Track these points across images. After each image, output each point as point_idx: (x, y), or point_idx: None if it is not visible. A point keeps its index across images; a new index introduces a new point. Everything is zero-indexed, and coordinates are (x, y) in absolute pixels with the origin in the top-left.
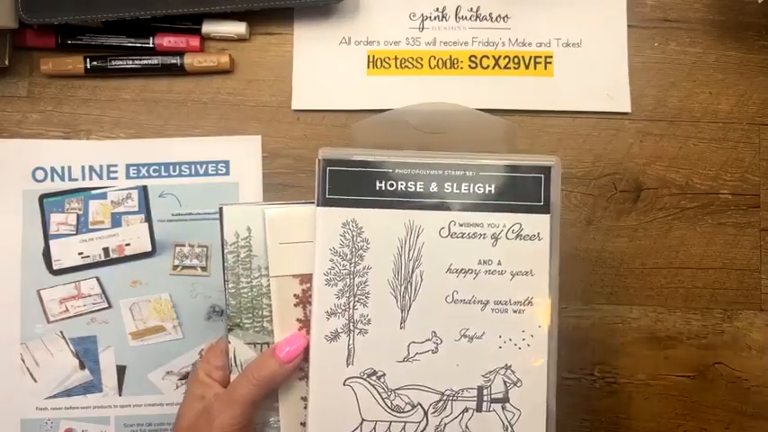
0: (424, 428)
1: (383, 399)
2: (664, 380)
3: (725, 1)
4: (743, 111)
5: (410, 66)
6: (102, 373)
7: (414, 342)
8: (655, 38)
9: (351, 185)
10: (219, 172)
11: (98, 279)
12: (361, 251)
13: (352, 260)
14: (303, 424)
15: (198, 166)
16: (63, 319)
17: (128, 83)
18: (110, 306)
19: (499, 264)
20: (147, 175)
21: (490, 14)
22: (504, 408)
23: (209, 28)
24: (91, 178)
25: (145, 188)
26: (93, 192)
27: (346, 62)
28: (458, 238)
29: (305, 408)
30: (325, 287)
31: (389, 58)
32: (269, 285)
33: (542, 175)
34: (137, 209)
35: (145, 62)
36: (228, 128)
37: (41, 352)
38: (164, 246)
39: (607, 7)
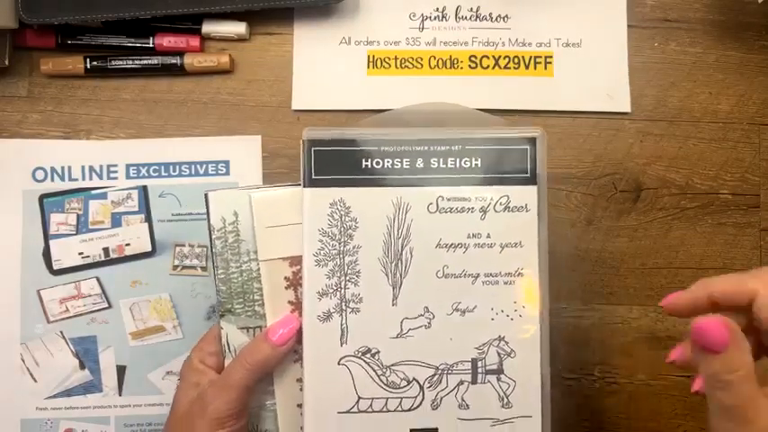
0: (421, 403)
1: (378, 376)
2: (664, 380)
3: (725, 1)
4: (743, 111)
5: (410, 66)
6: (102, 373)
7: (406, 318)
8: (655, 38)
9: (337, 165)
10: (219, 172)
11: (98, 279)
12: (350, 230)
13: (342, 240)
14: (300, 405)
15: (198, 166)
16: (63, 319)
17: (128, 83)
18: (110, 306)
19: (488, 237)
20: (147, 175)
21: (490, 14)
22: (498, 379)
23: (209, 28)
24: (91, 178)
25: (145, 188)
26: (93, 192)
27: (346, 62)
28: (446, 213)
29: (301, 389)
30: (316, 268)
31: (389, 58)
32: (259, 269)
33: (528, 147)
34: (137, 209)
35: (145, 62)
36: (228, 128)
37: (41, 352)
38: (164, 246)
39: (607, 7)
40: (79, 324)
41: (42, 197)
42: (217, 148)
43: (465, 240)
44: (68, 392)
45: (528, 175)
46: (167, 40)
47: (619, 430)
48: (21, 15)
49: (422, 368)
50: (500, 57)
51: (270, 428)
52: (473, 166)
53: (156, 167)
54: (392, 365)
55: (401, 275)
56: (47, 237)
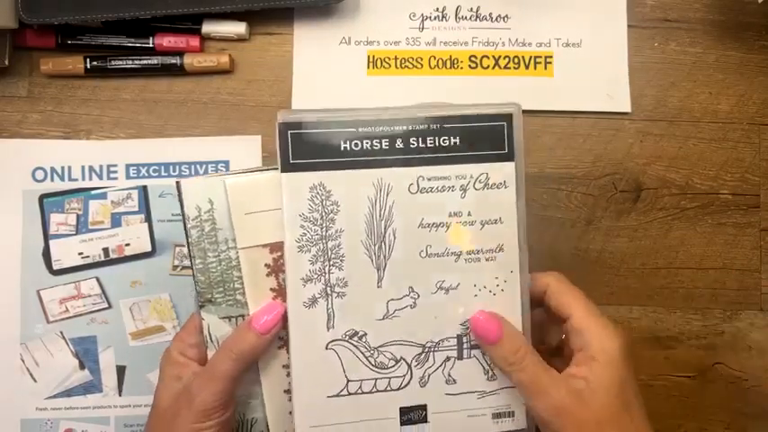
0: (409, 381)
1: (366, 357)
2: (664, 380)
3: (725, 1)
4: (743, 111)
5: (410, 66)
6: (102, 373)
7: (392, 299)
8: (655, 38)
9: (314, 148)
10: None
11: (98, 279)
12: (331, 215)
13: (323, 224)
14: (287, 391)
15: (198, 166)
16: (63, 319)
17: (128, 83)
18: (110, 306)
19: (469, 214)
20: (147, 175)
21: (490, 14)
22: (483, 353)
23: (209, 28)
24: (91, 178)
25: (145, 188)
26: (93, 192)
27: (346, 62)
28: (427, 192)
29: (287, 375)
30: (299, 254)
31: (389, 58)
32: (238, 257)
33: (504, 123)
34: (137, 209)
35: (145, 62)
36: (228, 128)
37: (41, 352)
38: (164, 246)
39: (607, 7)
40: (79, 324)
41: (42, 197)
42: (217, 148)
43: (447, 219)
44: (68, 392)
45: (506, 151)
46: (167, 40)
47: None
48: (21, 15)
49: (409, 347)
50: (500, 57)
51: (257, 416)
52: (452, 144)
53: (156, 167)
54: (380, 347)
55: (385, 257)
56: (47, 237)
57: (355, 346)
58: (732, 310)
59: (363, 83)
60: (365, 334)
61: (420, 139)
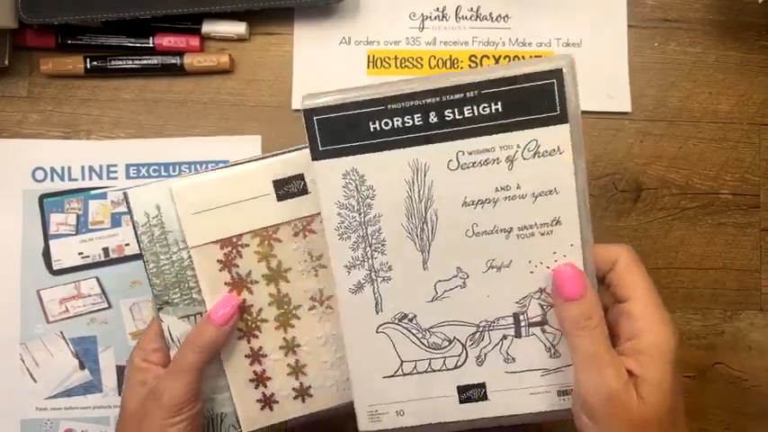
0: (465, 360)
1: (419, 339)
2: None
3: (725, 1)
4: (743, 111)
5: (410, 66)
6: (102, 374)
7: (440, 281)
8: (655, 38)
9: (343, 132)
10: None
11: (98, 279)
12: (368, 200)
13: (361, 210)
14: (252, 380)
15: (198, 166)
16: (63, 319)
17: (128, 83)
18: (110, 306)
19: (518, 187)
20: (147, 175)
21: (490, 14)
22: (543, 330)
23: (208, 28)
24: (91, 178)
25: None
26: (93, 192)
27: (346, 62)
28: (468, 168)
29: (250, 365)
30: (339, 242)
31: (389, 58)
32: (190, 257)
33: (554, 80)
34: None
35: (145, 62)
36: (228, 128)
37: (41, 352)
38: None
39: (607, 7)
40: (79, 324)
41: (42, 197)
42: (217, 148)
43: (493, 195)
44: (68, 392)
45: (557, 112)
46: (167, 40)
47: None
48: (21, 15)
49: (462, 327)
50: (500, 57)
51: (226, 411)
52: (493, 111)
53: (156, 167)
54: (431, 328)
55: (428, 239)
56: (47, 237)
57: (406, 328)
58: (732, 310)
59: (363, 83)
60: (415, 316)
61: (456, 110)
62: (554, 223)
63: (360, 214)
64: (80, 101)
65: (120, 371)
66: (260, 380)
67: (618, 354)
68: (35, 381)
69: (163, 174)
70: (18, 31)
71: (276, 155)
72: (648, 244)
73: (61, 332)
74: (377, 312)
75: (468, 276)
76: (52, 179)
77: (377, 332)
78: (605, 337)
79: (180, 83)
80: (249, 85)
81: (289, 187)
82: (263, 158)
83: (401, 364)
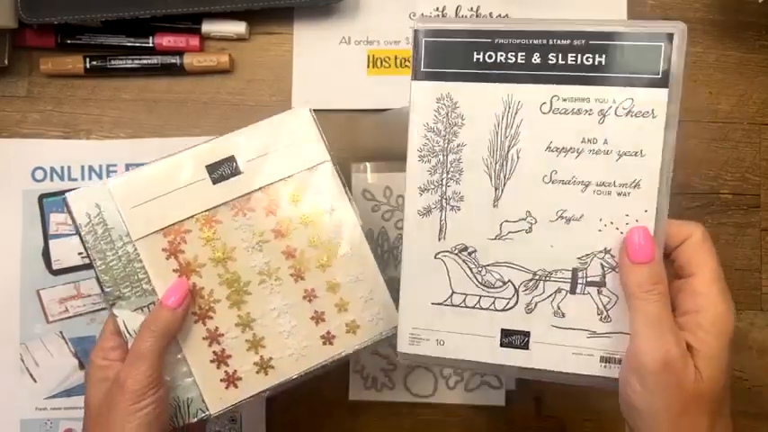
0: (515, 305)
1: (474, 273)
2: None
3: (725, 1)
4: (743, 111)
5: (410, 65)
6: None
7: (507, 221)
8: None
9: (447, 57)
10: None
11: None
12: (455, 127)
13: (446, 137)
14: (213, 361)
15: None
16: (63, 319)
17: (128, 83)
18: None
19: (605, 142)
20: None
21: (490, 14)
22: (599, 291)
23: (208, 28)
24: (90, 178)
25: None
26: None
27: (346, 62)
28: (560, 114)
29: (209, 346)
30: (419, 163)
31: (389, 58)
32: (136, 250)
33: (662, 44)
34: None
35: (145, 62)
36: (228, 128)
37: (41, 352)
38: None
39: (607, 7)
40: (79, 324)
41: (42, 197)
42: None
43: (579, 145)
44: (68, 392)
45: (659, 76)
46: (167, 40)
47: (620, 430)
48: (21, 15)
49: (518, 271)
50: None
51: (192, 395)
52: (596, 63)
53: None
54: (488, 265)
55: (505, 177)
56: (46, 237)
57: (464, 260)
58: None
59: (363, 82)
60: (475, 250)
61: (560, 55)
62: (633, 185)
63: (444, 140)
64: (80, 101)
65: None
66: (220, 359)
67: (679, 327)
68: (35, 381)
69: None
70: (18, 30)
71: (205, 142)
72: None
73: (61, 332)
74: (439, 239)
75: (535, 222)
76: (52, 179)
77: (435, 258)
78: (669, 305)
79: (180, 83)
80: (249, 85)
81: (222, 170)
82: (191, 147)
83: (451, 295)
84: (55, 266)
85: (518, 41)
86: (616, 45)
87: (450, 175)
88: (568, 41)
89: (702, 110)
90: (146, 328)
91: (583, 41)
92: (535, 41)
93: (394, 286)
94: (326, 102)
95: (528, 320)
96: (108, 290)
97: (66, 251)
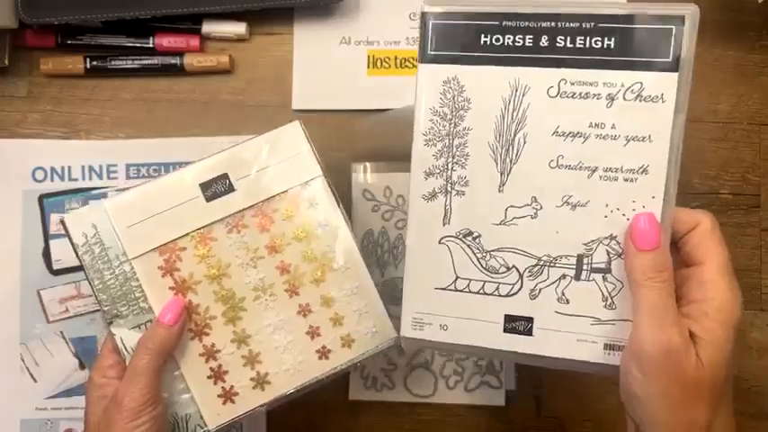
0: (519, 290)
1: (478, 259)
2: None
3: (725, 1)
4: (743, 111)
5: (410, 66)
6: None
7: (512, 206)
8: None
9: (454, 40)
10: None
11: None
12: (461, 111)
13: (452, 120)
14: (209, 377)
15: None
16: (63, 319)
17: (128, 83)
18: None
19: (613, 127)
20: (146, 175)
21: None
22: (604, 278)
23: (208, 28)
24: (91, 178)
25: None
26: (93, 192)
27: (346, 62)
28: (568, 98)
29: (206, 362)
30: (424, 147)
31: (389, 58)
32: (132, 268)
33: (673, 27)
34: None
35: (145, 62)
36: (228, 128)
37: (41, 352)
38: None
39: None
40: (79, 324)
41: (42, 197)
42: (216, 148)
43: (586, 130)
44: (68, 392)
45: (669, 60)
46: (167, 40)
47: (620, 430)
48: (21, 15)
49: (523, 257)
50: None
51: (190, 411)
52: (605, 46)
53: (156, 167)
54: (493, 251)
55: (511, 162)
56: (47, 237)
57: (468, 245)
58: None
59: (363, 83)
60: (479, 235)
61: (568, 38)
62: (640, 171)
63: (450, 124)
64: (80, 101)
65: None
66: (217, 375)
67: (685, 315)
68: (35, 381)
69: (163, 174)
70: (18, 31)
71: (199, 161)
72: None
73: (61, 332)
74: (443, 224)
75: (541, 207)
76: (52, 179)
77: (439, 243)
78: (672, 293)
79: (180, 83)
80: (249, 85)
81: (215, 188)
82: (186, 165)
83: (455, 280)
84: (55, 266)
85: (526, 24)
86: (626, 28)
87: (455, 160)
88: (577, 24)
89: (702, 110)
90: (142, 346)
91: (592, 24)
92: (543, 24)
93: (394, 286)
94: (326, 102)
95: (532, 306)
96: (106, 308)
97: (66, 251)
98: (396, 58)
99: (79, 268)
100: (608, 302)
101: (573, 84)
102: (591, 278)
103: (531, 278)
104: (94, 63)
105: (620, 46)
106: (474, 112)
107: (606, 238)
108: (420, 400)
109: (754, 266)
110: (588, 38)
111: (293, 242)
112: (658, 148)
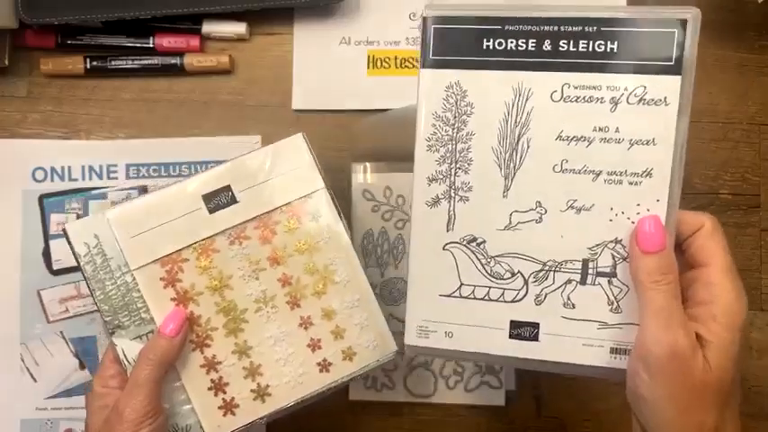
0: (524, 296)
1: (482, 265)
2: None
3: (725, 1)
4: (743, 111)
5: (410, 66)
6: None
7: (516, 211)
8: None
9: (456, 45)
10: None
11: None
12: (464, 116)
13: (455, 125)
14: (210, 389)
15: (198, 167)
16: (63, 319)
17: (128, 83)
18: None
19: (617, 131)
20: (146, 175)
21: None
22: (610, 282)
23: (209, 28)
24: (91, 178)
25: (145, 188)
26: (94, 192)
27: (346, 62)
28: (571, 102)
29: (207, 374)
30: (427, 152)
31: (389, 58)
32: (134, 279)
33: (675, 30)
34: None
35: (145, 62)
36: (228, 128)
37: (41, 352)
38: None
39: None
40: (79, 324)
41: (42, 197)
42: (217, 148)
43: (590, 134)
44: (68, 392)
45: (672, 63)
46: (167, 41)
47: (620, 430)
48: (21, 15)
49: (528, 262)
50: None
51: (190, 422)
52: (607, 50)
53: (156, 167)
54: (497, 256)
55: (515, 167)
56: (47, 237)
57: (472, 251)
58: None
59: (363, 83)
60: (484, 241)
61: (571, 42)
62: (645, 174)
63: (453, 129)
64: (80, 101)
65: None
66: (218, 387)
67: (692, 318)
68: (35, 380)
69: (162, 174)
70: (18, 31)
71: (201, 173)
72: None
73: (61, 332)
74: (447, 230)
75: (545, 212)
76: (52, 179)
77: (443, 249)
78: (678, 295)
79: (180, 83)
80: (249, 85)
81: (218, 199)
82: (188, 177)
83: (460, 286)
84: (55, 266)
85: (528, 28)
86: (628, 31)
87: (458, 165)
88: (580, 28)
89: (702, 110)
90: (144, 357)
91: (594, 28)
92: (546, 28)
93: (393, 286)
94: (326, 102)
95: (537, 312)
96: (107, 319)
97: (66, 251)
98: (396, 58)
99: (78, 269)
100: (614, 306)
101: (576, 88)
102: (596, 282)
103: (536, 283)
104: (94, 63)
105: (623, 49)
106: (477, 117)
107: (611, 241)
108: (420, 400)
109: (753, 266)
110: (591, 42)
111: (295, 254)
112: (662, 151)
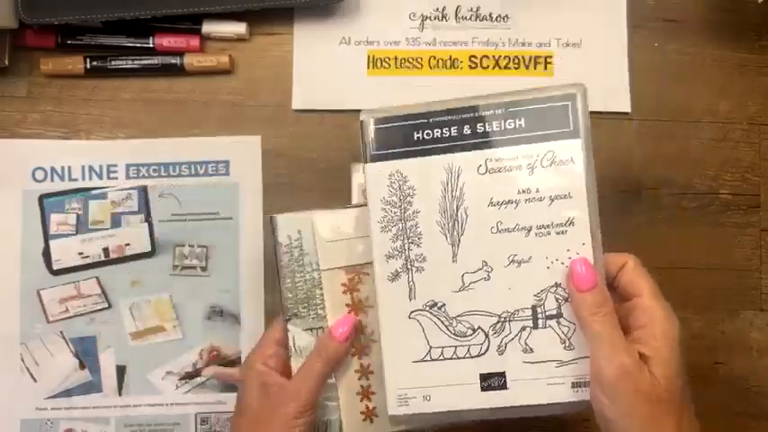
0: (487, 349)
1: (446, 326)
2: None
3: (725, 1)
4: (743, 111)
5: (410, 66)
6: (102, 374)
7: (467, 272)
8: (655, 38)
9: (392, 139)
10: (219, 172)
11: (98, 279)
12: (408, 197)
13: (402, 206)
14: (358, 394)
15: (198, 167)
16: (63, 319)
17: (128, 83)
18: (110, 306)
19: (537, 191)
20: (146, 175)
21: (490, 14)
22: (558, 323)
23: (209, 28)
24: (91, 178)
25: (144, 188)
26: (93, 192)
27: (346, 62)
28: (495, 173)
29: (359, 380)
30: (381, 233)
31: (389, 58)
32: (320, 278)
33: (569, 103)
34: (136, 209)
35: (145, 62)
36: (228, 128)
37: (41, 352)
38: (164, 246)
39: (607, 7)
40: (79, 324)
41: (42, 197)
42: (217, 148)
43: (516, 196)
44: (68, 392)
45: (570, 129)
46: (167, 40)
47: None
48: (21, 15)
49: (485, 317)
50: (500, 57)
51: (332, 418)
52: (517, 126)
53: (156, 167)
54: (458, 316)
55: (458, 234)
56: (47, 237)
57: (435, 315)
58: (732, 310)
59: (363, 83)
60: (444, 304)
61: (486, 124)
62: (568, 224)
63: (401, 210)
64: (80, 101)
65: (121, 371)
66: (365, 394)
67: (635, 340)
68: (35, 380)
69: (162, 174)
70: (18, 31)
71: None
72: (649, 244)
73: (61, 332)
74: (410, 299)
75: (492, 269)
76: (52, 179)
77: (409, 318)
78: (617, 324)
79: (180, 83)
80: (249, 85)
81: None
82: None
83: (429, 350)
84: (55, 266)
85: (449, 118)
86: (530, 109)
87: (410, 240)
88: (491, 112)
89: (702, 110)
90: (317, 353)
91: (503, 110)
92: (464, 116)
93: None
94: (326, 102)
95: (502, 361)
96: (289, 306)
97: (66, 251)
98: (396, 58)
99: (78, 269)
100: (566, 344)
101: (497, 161)
102: (547, 325)
103: (495, 335)
104: (94, 63)
105: (530, 124)
106: (419, 197)
107: (552, 286)
108: None
109: (753, 266)
110: (502, 121)
111: None
112: (578, 201)
